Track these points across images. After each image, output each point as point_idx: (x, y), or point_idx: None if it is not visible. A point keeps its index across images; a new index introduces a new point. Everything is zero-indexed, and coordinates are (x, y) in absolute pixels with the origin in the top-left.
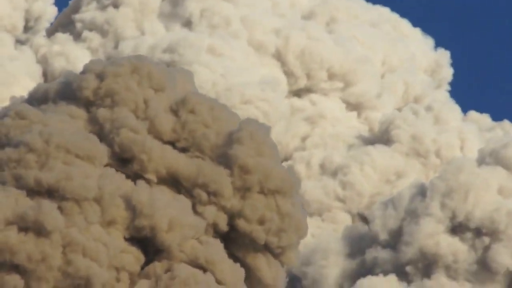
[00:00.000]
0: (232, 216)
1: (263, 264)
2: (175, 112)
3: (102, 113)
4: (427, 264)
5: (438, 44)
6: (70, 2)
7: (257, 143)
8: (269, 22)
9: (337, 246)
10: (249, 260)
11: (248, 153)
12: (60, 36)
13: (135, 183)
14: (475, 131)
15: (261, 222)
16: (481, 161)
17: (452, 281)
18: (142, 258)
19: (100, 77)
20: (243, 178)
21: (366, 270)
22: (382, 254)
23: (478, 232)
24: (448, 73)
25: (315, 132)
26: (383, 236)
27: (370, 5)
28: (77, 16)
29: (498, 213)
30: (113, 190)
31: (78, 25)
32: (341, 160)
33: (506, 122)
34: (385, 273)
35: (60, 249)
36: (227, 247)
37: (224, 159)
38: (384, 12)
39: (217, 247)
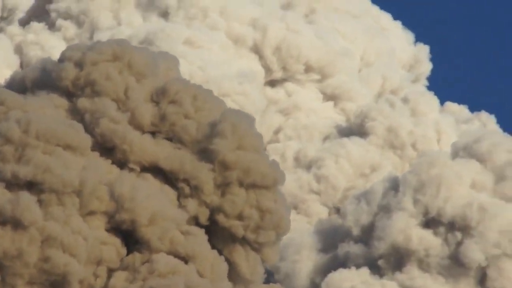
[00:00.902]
0: (213, 210)
1: (241, 258)
2: (155, 102)
3: (82, 103)
4: (400, 258)
5: (417, 36)
6: None
7: (239, 135)
8: (248, 13)
9: (310, 241)
10: (228, 254)
11: (230, 147)
12: (36, 25)
13: (121, 169)
14: (452, 123)
15: (240, 218)
16: (454, 155)
17: (425, 273)
18: (123, 249)
19: (79, 65)
20: (224, 174)
21: (339, 264)
22: (354, 249)
23: (451, 227)
24: (426, 68)
25: (290, 124)
26: (355, 231)
27: None
28: (52, 6)
29: (470, 208)
30: (95, 182)
31: (53, 15)
32: (315, 153)
33: (483, 113)
34: (358, 267)
35: (37, 244)
36: (209, 240)
37: (205, 154)
38: (364, 3)
39: (200, 239)
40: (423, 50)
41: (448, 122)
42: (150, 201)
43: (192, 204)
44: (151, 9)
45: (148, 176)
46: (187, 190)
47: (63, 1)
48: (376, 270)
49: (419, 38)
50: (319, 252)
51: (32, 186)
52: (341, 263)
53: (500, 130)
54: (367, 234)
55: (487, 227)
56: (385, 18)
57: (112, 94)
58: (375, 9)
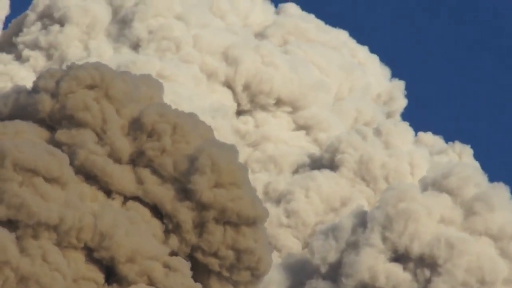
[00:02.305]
0: (192, 247)
1: None
2: (133, 136)
3: (60, 135)
4: None
5: (392, 67)
6: (9, 25)
7: (219, 171)
8: (221, 44)
9: (278, 277)
10: (204, 285)
11: (208, 185)
12: (3, 57)
13: (108, 196)
14: (425, 155)
15: (216, 256)
16: (424, 188)
17: None
18: (102, 281)
19: (55, 96)
20: (201, 213)
21: None
22: (322, 286)
23: (420, 262)
24: (401, 104)
25: (259, 155)
26: (323, 268)
27: (328, 27)
28: (19, 39)
29: (438, 245)
30: (76, 219)
31: (20, 47)
32: (285, 186)
33: (457, 144)
34: None
35: (13, 284)
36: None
37: (184, 192)
38: (341, 36)
39: (183, 273)
40: (399, 86)
41: (421, 154)
42: (130, 238)
43: (174, 240)
44: (121, 41)
45: (137, 205)
46: (170, 225)
47: (30, 33)
48: None
49: (394, 70)
50: None
51: (8, 223)
52: None
53: (474, 161)
54: (335, 271)
55: (455, 265)
56: (362, 51)
57: (91, 125)
58: (352, 42)
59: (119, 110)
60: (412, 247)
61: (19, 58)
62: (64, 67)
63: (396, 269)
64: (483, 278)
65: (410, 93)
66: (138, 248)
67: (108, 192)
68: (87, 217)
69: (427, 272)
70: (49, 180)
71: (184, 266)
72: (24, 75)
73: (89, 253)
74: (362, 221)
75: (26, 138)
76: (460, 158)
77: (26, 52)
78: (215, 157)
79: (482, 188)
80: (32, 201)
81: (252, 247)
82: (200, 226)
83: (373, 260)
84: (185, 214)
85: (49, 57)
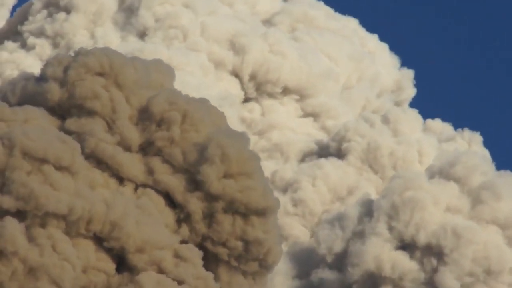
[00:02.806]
0: (202, 237)
1: (224, 282)
2: (142, 125)
3: (69, 124)
4: (374, 284)
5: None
6: (14, 13)
7: (229, 161)
8: (228, 32)
9: (284, 267)
10: (214, 273)
11: (217, 175)
12: (10, 45)
13: (120, 182)
14: (434, 142)
15: (225, 246)
16: (430, 177)
17: None
18: (112, 269)
19: (63, 84)
20: (210, 204)
21: None
22: (328, 275)
23: (426, 251)
24: (410, 93)
25: (266, 143)
26: (329, 257)
27: (337, 15)
28: (24, 27)
29: (444, 234)
30: (86, 209)
31: (26, 35)
32: (292, 175)
33: (466, 131)
34: None
35: (21, 276)
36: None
37: (194, 183)
38: (351, 24)
39: (193, 263)
40: (408, 76)
41: (430, 142)
42: (140, 227)
43: (185, 229)
44: (128, 29)
45: (150, 193)
46: (181, 215)
47: (36, 22)
48: None
49: (403, 56)
50: (293, 279)
51: (17, 213)
52: None
53: (484, 149)
54: (341, 260)
55: (461, 254)
56: (372, 40)
57: (100, 114)
58: (362, 30)
59: (129, 97)
60: (419, 236)
61: (24, 46)
62: (71, 53)
63: (402, 258)
64: (490, 267)
65: (419, 83)
66: (148, 237)
67: (120, 180)
68: (98, 206)
69: (433, 261)
70: (59, 168)
71: (195, 255)
72: (30, 63)
73: (99, 242)
74: (368, 210)
75: (37, 125)
76: (469, 145)
77: (31, 40)
78: (224, 147)
79: (489, 176)
80: (40, 191)
81: (261, 238)
82: (210, 217)
83: (379, 249)
84: (195, 205)
85: (55, 45)
